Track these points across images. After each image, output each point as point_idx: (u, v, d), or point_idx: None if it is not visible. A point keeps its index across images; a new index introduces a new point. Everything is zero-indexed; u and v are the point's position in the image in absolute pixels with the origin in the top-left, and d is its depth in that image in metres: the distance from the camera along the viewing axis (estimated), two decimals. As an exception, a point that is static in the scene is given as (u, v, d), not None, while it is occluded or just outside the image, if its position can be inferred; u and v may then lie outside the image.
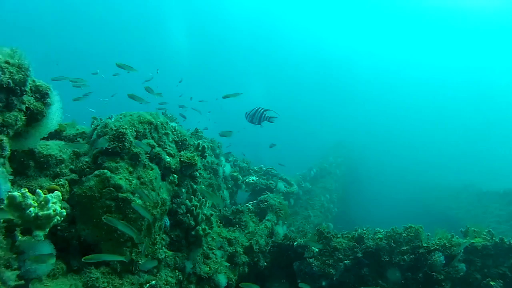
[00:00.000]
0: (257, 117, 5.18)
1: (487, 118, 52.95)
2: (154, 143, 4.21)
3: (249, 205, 7.60)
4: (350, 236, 6.17)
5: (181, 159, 4.45)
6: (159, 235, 4.16)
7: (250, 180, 10.31)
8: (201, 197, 4.64)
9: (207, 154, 5.38)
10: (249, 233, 6.38)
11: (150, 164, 4.06)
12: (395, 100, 61.06)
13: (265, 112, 5.25)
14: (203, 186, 5.26)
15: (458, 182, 24.75)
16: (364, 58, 63.00)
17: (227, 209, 7.29)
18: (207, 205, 4.82)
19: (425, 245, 5.97)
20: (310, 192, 17.85)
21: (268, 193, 10.21)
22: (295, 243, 6.24)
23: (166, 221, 4.27)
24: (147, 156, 4.09)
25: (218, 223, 6.32)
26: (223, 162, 10.08)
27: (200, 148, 4.78)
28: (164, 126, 4.66)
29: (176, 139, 4.92)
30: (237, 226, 6.77)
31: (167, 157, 4.39)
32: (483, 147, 46.11)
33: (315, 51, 64.38)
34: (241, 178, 10.66)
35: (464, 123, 53.36)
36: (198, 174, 4.96)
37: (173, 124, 4.92)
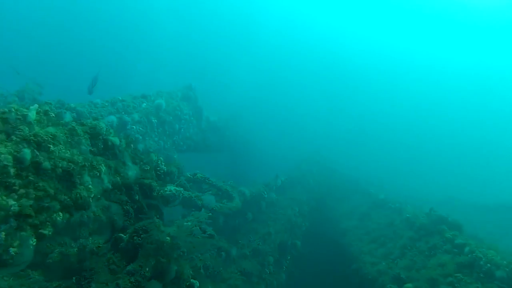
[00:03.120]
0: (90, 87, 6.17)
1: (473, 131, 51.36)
2: None
3: (123, 238, 4.46)
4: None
5: None
6: None
7: (167, 191, 7.15)
8: None
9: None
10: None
11: None
12: (378, 106, 58.67)
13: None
14: None
15: (440, 194, 23.26)
16: (359, 58, 61.03)
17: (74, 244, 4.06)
18: None
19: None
20: (275, 204, 15.22)
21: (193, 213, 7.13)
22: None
23: None
24: None
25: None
26: (127, 162, 6.94)
27: None
28: None
29: None
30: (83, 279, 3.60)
31: None
32: (468, 158, 44.35)
33: (310, 44, 61.98)
34: (157, 187, 7.47)
35: (445, 136, 51.54)
36: None
37: None
